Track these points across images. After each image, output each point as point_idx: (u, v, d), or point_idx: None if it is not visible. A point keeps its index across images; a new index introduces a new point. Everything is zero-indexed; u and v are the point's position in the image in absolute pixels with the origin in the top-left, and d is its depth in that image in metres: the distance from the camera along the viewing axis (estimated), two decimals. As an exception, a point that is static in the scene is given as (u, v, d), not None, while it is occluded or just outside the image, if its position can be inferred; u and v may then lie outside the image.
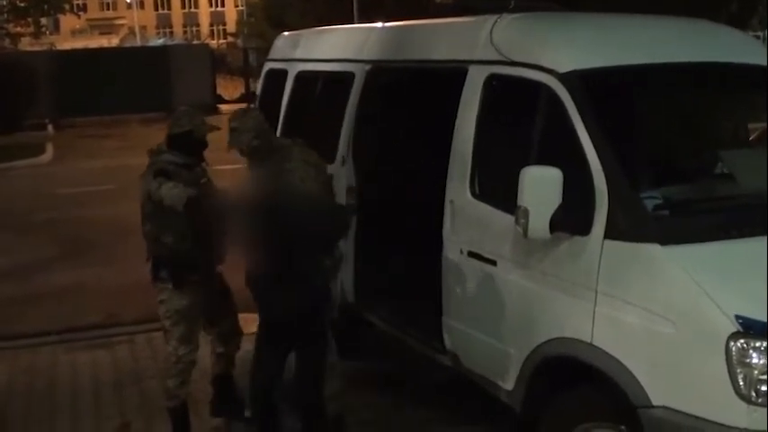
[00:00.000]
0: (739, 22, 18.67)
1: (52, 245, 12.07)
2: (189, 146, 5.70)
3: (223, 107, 29.66)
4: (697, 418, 3.85)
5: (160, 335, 7.56)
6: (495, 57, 5.21)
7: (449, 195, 5.40)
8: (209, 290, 5.81)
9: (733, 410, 3.83)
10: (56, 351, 7.68)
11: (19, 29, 33.03)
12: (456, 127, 5.40)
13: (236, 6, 74.47)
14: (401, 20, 6.91)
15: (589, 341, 4.32)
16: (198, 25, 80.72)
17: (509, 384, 4.94)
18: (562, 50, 4.95)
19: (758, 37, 43.57)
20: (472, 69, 5.38)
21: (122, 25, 74.47)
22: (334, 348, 5.67)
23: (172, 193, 5.38)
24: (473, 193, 5.22)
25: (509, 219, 4.62)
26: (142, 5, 79.94)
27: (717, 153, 5.20)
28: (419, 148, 6.19)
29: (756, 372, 3.82)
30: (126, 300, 8.82)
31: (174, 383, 5.74)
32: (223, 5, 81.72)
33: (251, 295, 5.14)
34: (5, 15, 31.61)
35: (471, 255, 5.21)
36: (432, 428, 5.96)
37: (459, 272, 5.34)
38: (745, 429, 3.81)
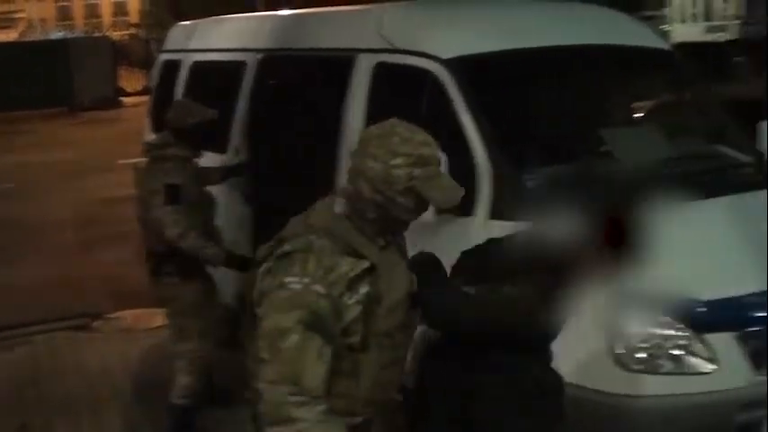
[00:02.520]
0: (634, 1, 19.19)
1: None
2: (198, 136, 5.45)
3: (126, 100, 29.33)
4: (578, 386, 3.97)
5: (60, 335, 7.52)
6: (383, 45, 5.31)
7: (340, 183, 5.46)
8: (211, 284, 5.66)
9: (613, 378, 4.01)
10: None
11: None
12: (346, 115, 5.48)
13: (139, -4, 73.41)
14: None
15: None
16: (99, 16, 79.25)
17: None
18: (445, 37, 5.08)
19: (654, 17, 44.39)
20: (361, 58, 5.47)
21: (22, 18, 72.78)
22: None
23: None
24: (363, 181, 5.28)
25: (398, 203, 4.70)
26: (41, -3, 78.21)
27: (599, 132, 5.37)
28: (312, 137, 6.25)
29: (633, 340, 4.02)
30: (26, 300, 8.66)
31: (191, 381, 5.47)
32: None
33: None
34: None
35: (363, 239, 5.28)
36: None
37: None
38: (626, 395, 4.01)
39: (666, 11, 51.11)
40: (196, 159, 5.57)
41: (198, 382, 5.50)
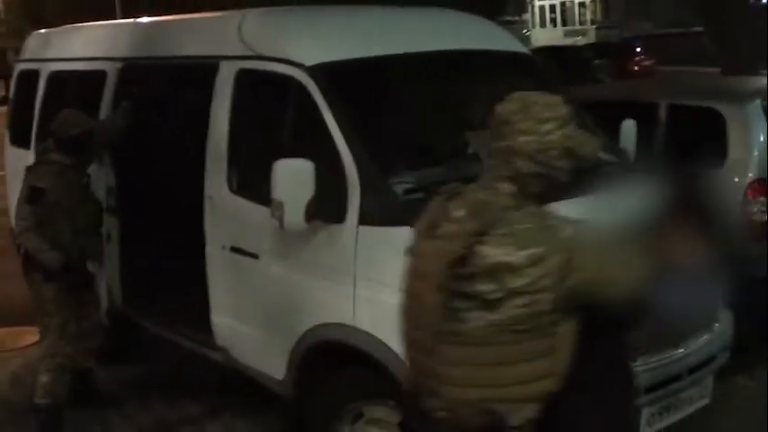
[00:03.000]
0: (495, 6, 19.56)
1: None
2: (83, 146, 5.66)
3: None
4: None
5: None
6: (245, 52, 5.26)
7: (207, 192, 5.40)
8: (78, 285, 5.71)
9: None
10: None
11: None
12: (210, 123, 5.41)
13: (-7, 4, 70.94)
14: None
15: (351, 324, 4.45)
16: (-49, 26, 76.35)
17: (279, 374, 5.00)
18: (309, 44, 5.05)
19: (514, 21, 45.31)
20: (223, 65, 5.40)
21: None
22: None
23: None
24: (231, 189, 5.24)
25: (267, 212, 4.66)
26: None
27: (465, 135, 5.44)
28: (178, 146, 6.15)
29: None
30: None
31: (49, 379, 5.55)
32: (-22, 4, 77.68)
33: None
34: None
35: (233, 250, 5.23)
36: (208, 425, 5.94)
37: (222, 268, 5.35)
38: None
39: (527, 16, 52.39)
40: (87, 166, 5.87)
41: (57, 382, 5.57)
